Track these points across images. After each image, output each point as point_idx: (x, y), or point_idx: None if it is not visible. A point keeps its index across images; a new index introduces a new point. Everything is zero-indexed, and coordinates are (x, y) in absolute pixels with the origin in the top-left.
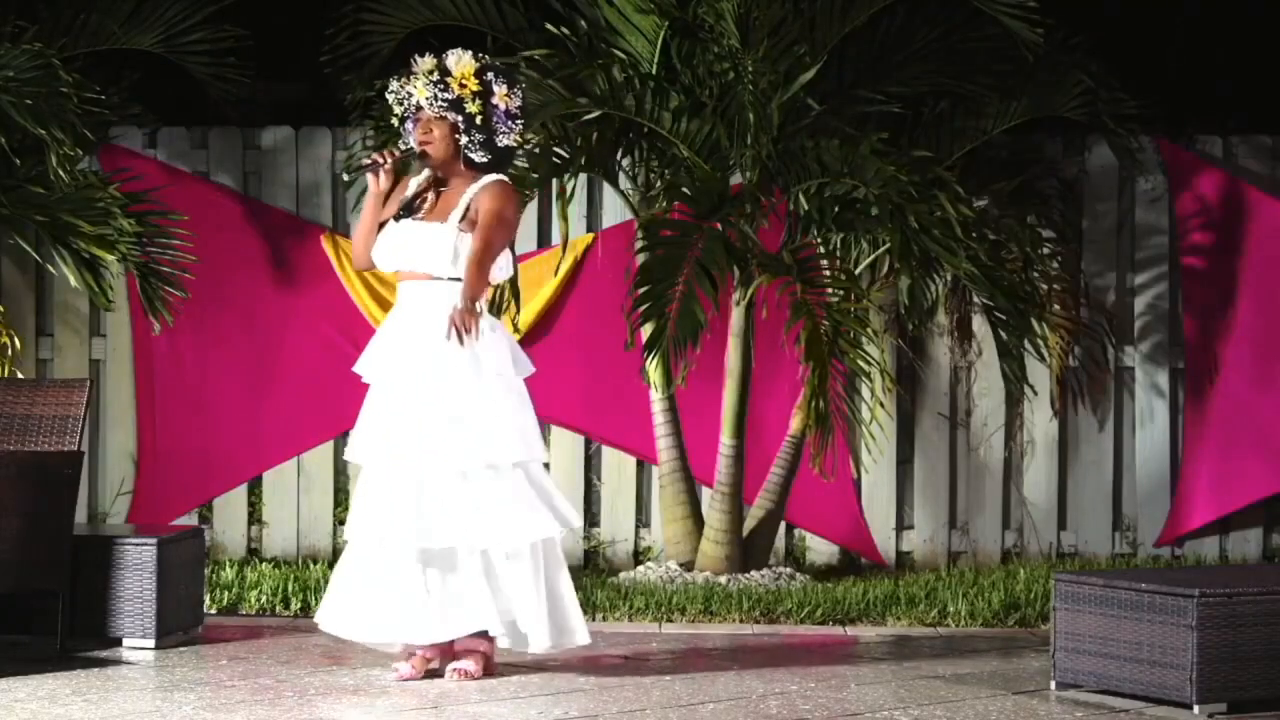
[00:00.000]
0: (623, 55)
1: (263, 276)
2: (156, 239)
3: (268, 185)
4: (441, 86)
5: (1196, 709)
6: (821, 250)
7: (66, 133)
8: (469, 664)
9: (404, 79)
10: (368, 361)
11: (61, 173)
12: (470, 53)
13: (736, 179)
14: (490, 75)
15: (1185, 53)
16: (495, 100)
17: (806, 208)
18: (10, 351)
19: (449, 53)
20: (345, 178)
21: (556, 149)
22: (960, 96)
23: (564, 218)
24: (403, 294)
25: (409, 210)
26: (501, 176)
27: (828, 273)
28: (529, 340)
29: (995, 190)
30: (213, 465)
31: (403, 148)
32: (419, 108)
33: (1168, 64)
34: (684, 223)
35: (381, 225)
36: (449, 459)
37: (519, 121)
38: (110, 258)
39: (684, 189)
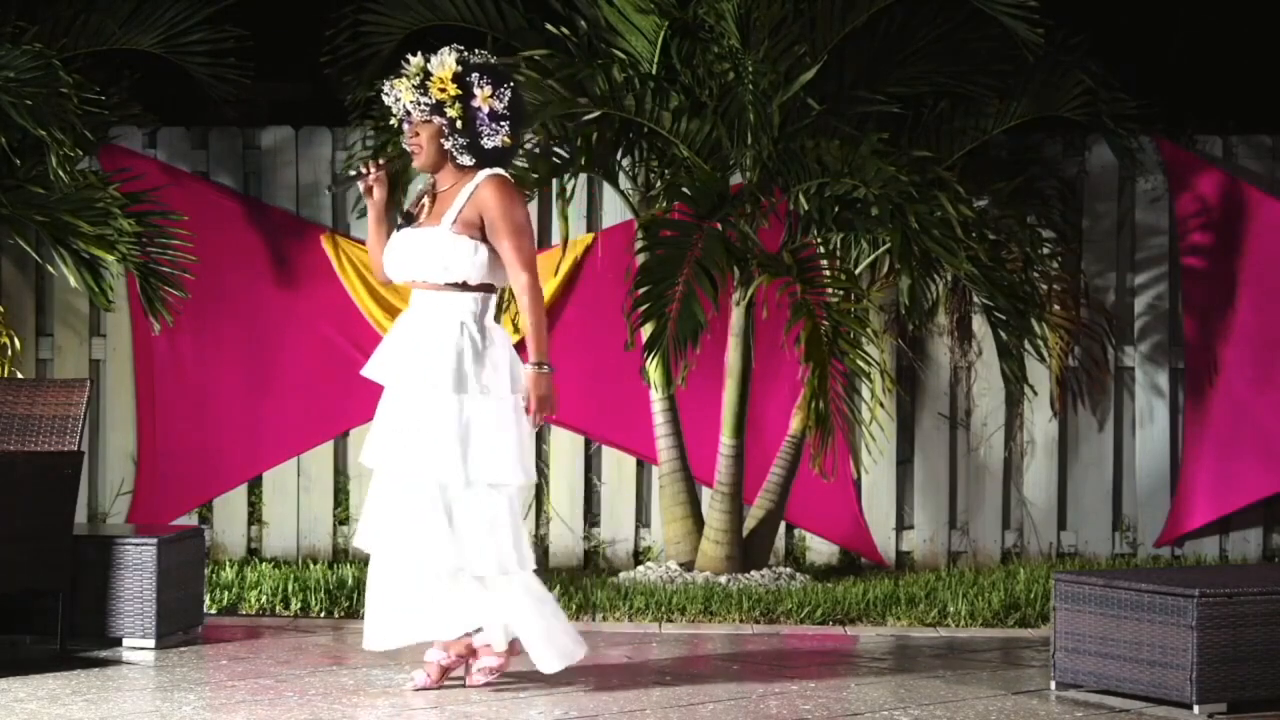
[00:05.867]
0: (623, 55)
1: (263, 276)
2: (156, 239)
3: (268, 185)
4: (423, 90)
5: (1196, 709)
6: (821, 250)
7: (66, 133)
8: (491, 660)
9: (393, 81)
10: (374, 364)
11: (61, 173)
12: (456, 54)
13: (736, 179)
14: (472, 77)
15: (1185, 53)
16: (476, 103)
17: (806, 208)
18: (10, 351)
19: (439, 52)
20: (329, 191)
21: (556, 149)
22: (960, 96)
23: (564, 218)
24: (412, 300)
25: (408, 219)
26: (496, 171)
27: (828, 273)
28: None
29: (995, 190)
30: (213, 465)
31: (389, 154)
32: (407, 111)
33: (1168, 64)
34: (684, 223)
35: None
36: (450, 475)
37: (504, 122)
38: (110, 258)
39: (684, 189)
